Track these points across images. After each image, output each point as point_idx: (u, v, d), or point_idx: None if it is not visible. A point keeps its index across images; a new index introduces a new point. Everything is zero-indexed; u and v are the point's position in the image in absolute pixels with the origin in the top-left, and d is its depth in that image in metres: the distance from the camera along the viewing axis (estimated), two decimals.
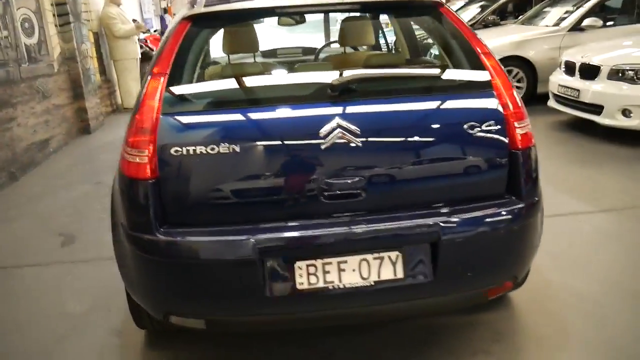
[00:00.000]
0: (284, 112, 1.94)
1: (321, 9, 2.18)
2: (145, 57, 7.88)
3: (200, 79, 2.32)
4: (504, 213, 1.95)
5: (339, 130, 1.86)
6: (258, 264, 1.82)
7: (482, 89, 2.02)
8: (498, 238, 1.95)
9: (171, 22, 2.36)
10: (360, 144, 1.87)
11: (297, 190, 1.89)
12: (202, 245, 1.85)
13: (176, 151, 1.84)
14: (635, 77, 4.86)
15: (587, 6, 6.80)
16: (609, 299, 2.57)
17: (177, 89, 2.01)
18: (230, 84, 2.27)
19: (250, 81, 2.22)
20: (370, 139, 1.88)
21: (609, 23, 6.87)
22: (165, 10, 10.61)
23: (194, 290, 1.90)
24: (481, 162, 1.97)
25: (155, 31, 9.14)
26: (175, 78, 1.99)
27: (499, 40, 6.83)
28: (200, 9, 2.09)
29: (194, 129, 1.92)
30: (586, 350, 2.26)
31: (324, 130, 1.86)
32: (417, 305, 2.01)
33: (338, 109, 1.91)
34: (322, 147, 1.86)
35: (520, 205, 1.97)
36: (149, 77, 1.98)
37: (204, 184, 1.88)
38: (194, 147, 1.84)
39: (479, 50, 2.08)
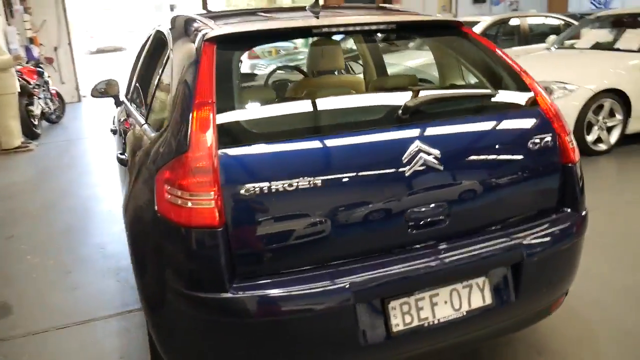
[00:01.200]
0: (360, 139, 1.77)
1: (349, 30, 2.04)
2: (24, 91, 6.99)
3: (250, 104, 2.03)
4: (570, 226, 1.97)
5: (421, 154, 1.75)
6: (352, 310, 1.63)
7: (531, 106, 2.03)
8: (568, 251, 1.98)
9: (179, 46, 2.06)
10: (441, 167, 1.77)
11: (382, 222, 1.73)
12: (289, 298, 1.61)
13: (246, 190, 1.60)
14: None
15: None
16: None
17: (231, 118, 1.74)
18: (294, 108, 2.06)
19: (315, 105, 2.00)
20: (448, 161, 1.80)
21: None
22: (32, 40, 9.56)
23: (278, 352, 1.65)
24: (543, 177, 1.98)
25: (27, 62, 8.21)
26: (223, 106, 1.73)
27: (585, 70, 5.46)
28: (228, 28, 1.88)
29: (261, 162, 1.67)
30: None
31: (406, 156, 1.74)
32: (499, 328, 1.95)
33: (413, 132, 1.80)
34: (406, 173, 1.73)
35: (580, 217, 2.01)
36: (190, 109, 1.69)
37: (279, 225, 1.64)
38: (266, 184, 1.60)
39: (518, 69, 2.11)
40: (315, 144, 1.73)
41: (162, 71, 2.28)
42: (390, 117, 1.87)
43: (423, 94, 2.02)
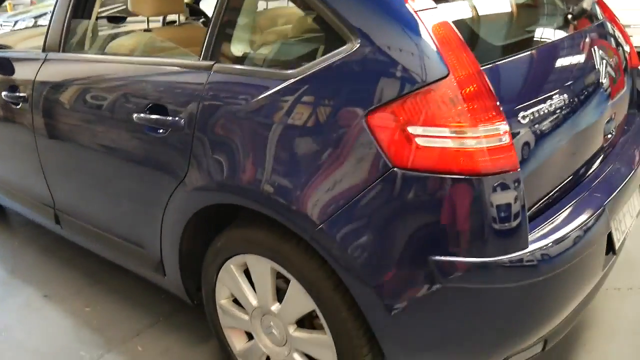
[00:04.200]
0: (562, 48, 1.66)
1: None
2: None
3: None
4: None
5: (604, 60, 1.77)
6: (605, 233, 1.55)
7: None
8: None
9: None
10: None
11: (591, 135, 1.69)
12: (572, 238, 1.37)
13: (523, 117, 1.36)
14: None
15: None
16: None
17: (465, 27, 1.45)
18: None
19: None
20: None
21: None
22: None
23: (556, 301, 1.43)
24: None
25: None
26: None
27: None
28: None
29: (515, 80, 1.44)
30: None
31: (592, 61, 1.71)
32: None
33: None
34: (601, 80, 1.72)
35: None
36: (412, 21, 1.29)
37: (546, 152, 1.44)
38: (530, 106, 1.38)
39: None
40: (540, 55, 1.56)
41: None
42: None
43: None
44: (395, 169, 1.27)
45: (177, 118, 1.67)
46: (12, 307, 2.52)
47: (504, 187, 1.25)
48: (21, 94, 2.28)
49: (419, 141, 1.25)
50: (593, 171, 1.70)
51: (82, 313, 2.44)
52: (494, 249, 1.27)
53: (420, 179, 1.25)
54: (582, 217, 1.45)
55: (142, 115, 1.76)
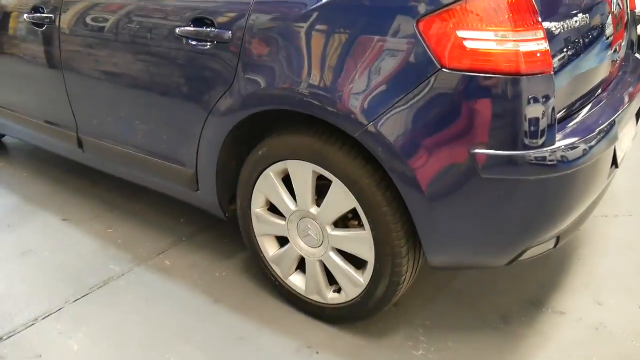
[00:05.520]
0: None
1: None
2: None
3: None
4: None
5: None
6: (613, 144, 1.72)
7: None
8: None
9: None
10: None
11: (603, 53, 1.83)
12: (592, 139, 1.56)
13: (555, 28, 1.52)
14: None
15: None
16: None
17: None
18: None
19: None
20: None
21: None
22: None
23: (571, 199, 1.62)
24: None
25: None
26: None
27: None
28: None
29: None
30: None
31: None
32: None
33: None
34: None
35: None
36: None
37: (572, 61, 1.60)
38: (562, 18, 1.56)
39: None
40: None
41: None
42: None
43: None
44: (443, 69, 1.41)
45: (223, 30, 1.76)
46: (31, 230, 2.59)
47: (540, 87, 1.40)
48: (47, 15, 2.31)
49: (467, 44, 1.39)
50: (602, 93, 1.87)
51: (105, 234, 2.53)
52: (527, 143, 1.43)
53: (465, 78, 1.39)
54: (598, 126, 1.62)
55: (186, 28, 1.84)
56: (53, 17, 2.29)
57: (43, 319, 1.99)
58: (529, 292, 2.10)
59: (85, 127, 2.44)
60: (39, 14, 2.34)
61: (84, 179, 3.08)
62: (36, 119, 2.73)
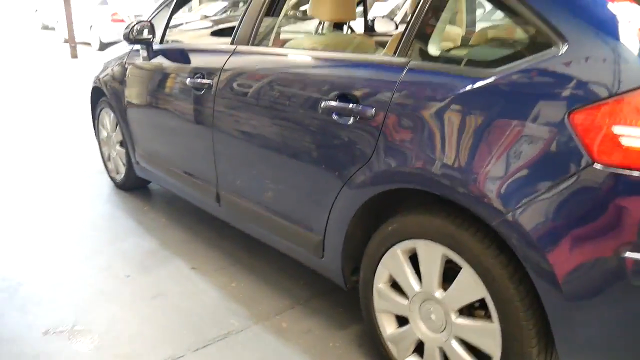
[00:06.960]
0: None
1: None
2: None
3: None
4: None
5: None
6: None
7: None
8: None
9: None
10: None
11: None
12: None
13: None
14: None
15: None
16: None
17: None
18: None
19: None
20: None
21: None
22: None
23: None
24: None
25: None
26: None
27: None
28: None
29: None
30: None
31: None
32: None
33: None
34: None
35: None
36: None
37: None
38: None
39: None
40: None
41: None
42: None
43: None
44: (596, 164, 1.33)
45: (367, 107, 1.82)
46: (164, 274, 2.78)
47: None
48: (206, 81, 2.56)
49: (623, 140, 1.32)
50: None
51: (229, 287, 2.64)
52: None
53: (618, 175, 1.31)
54: None
55: (330, 102, 1.93)
56: (211, 83, 2.52)
57: None
58: None
59: (225, 183, 2.61)
60: (199, 80, 2.59)
61: (212, 230, 3.27)
62: (179, 170, 2.97)
